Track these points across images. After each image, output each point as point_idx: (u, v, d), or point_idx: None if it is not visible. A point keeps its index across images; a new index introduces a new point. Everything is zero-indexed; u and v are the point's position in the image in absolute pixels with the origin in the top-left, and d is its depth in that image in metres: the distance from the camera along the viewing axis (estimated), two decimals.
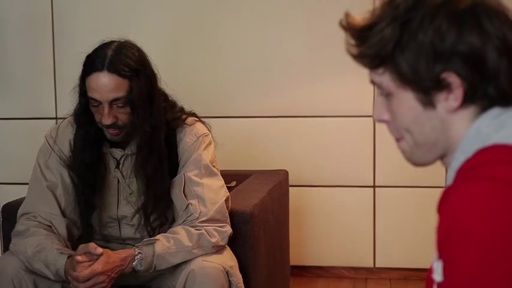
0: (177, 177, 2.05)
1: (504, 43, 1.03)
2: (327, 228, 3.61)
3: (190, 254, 1.95)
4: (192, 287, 1.90)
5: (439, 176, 3.46)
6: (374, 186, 3.57)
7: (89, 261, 1.87)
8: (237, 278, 1.99)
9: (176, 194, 2.03)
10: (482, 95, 1.04)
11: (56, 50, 3.65)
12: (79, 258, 1.86)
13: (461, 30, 1.02)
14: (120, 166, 2.08)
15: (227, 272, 1.95)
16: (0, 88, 3.71)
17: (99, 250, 1.88)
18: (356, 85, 3.41)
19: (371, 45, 1.07)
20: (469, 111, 1.05)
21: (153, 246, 1.92)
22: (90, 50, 2.03)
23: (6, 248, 2.22)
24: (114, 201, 2.10)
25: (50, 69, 3.67)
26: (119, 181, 2.09)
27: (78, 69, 2.02)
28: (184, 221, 2.00)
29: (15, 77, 3.71)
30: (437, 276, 0.96)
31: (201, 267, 1.91)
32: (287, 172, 3.04)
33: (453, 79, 1.03)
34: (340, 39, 1.13)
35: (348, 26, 1.10)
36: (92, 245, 1.89)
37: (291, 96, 3.52)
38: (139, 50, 2.03)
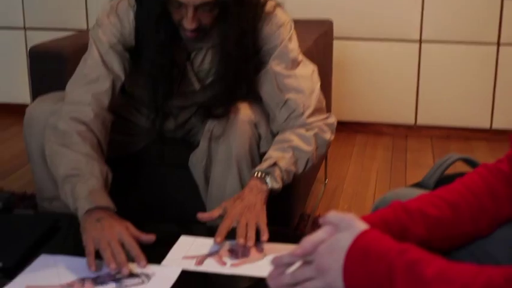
0: (262, 72, 1.83)
1: None
2: (369, 83, 3.50)
3: (311, 158, 1.79)
4: (218, 138, 1.80)
5: (491, 31, 3.27)
6: (420, 41, 3.40)
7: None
8: (267, 130, 1.86)
9: (269, 91, 1.83)
10: None
11: None
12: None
13: None
14: (192, 58, 1.87)
15: (255, 125, 1.83)
16: None
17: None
18: None
19: None
20: None
21: (277, 166, 1.71)
22: None
23: (35, 93, 2.12)
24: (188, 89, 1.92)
25: None
26: (187, 72, 1.89)
27: None
28: (288, 117, 1.81)
29: None
30: None
31: (228, 118, 1.79)
32: (332, 22, 2.87)
33: None
34: None
35: None
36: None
37: None
38: None
